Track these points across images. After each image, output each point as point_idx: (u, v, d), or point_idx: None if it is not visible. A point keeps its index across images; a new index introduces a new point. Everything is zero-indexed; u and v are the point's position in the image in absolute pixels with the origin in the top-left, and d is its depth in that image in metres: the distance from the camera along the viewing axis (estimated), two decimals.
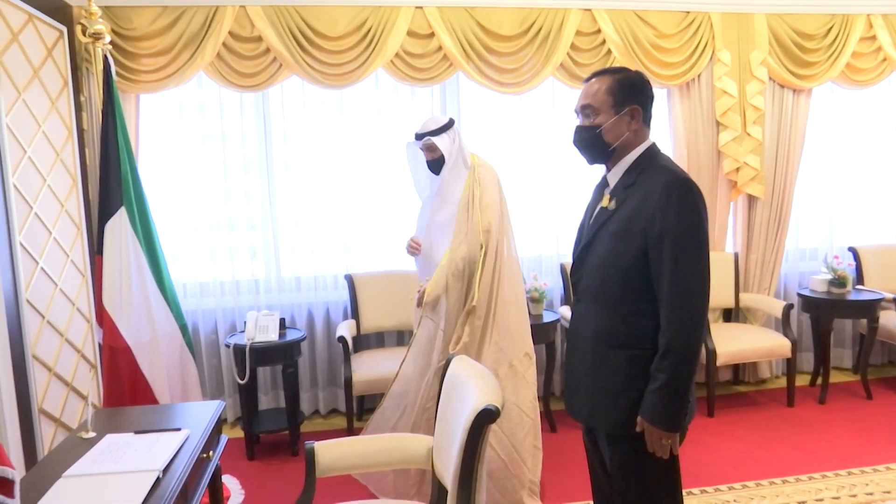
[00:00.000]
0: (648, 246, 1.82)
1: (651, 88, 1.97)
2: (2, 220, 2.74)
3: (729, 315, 4.75)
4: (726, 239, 4.74)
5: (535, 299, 4.10)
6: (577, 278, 2.06)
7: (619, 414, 1.91)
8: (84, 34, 3.48)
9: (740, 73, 4.46)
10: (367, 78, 4.09)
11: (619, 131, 1.91)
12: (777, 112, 4.60)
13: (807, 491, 3.20)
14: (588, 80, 1.99)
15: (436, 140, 3.17)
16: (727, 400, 4.46)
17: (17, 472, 1.66)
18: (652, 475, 1.94)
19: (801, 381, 4.65)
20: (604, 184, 2.05)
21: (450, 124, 3.21)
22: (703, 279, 1.80)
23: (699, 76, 4.46)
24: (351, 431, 3.96)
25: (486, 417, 1.85)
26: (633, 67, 4.24)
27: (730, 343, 4.20)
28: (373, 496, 3.20)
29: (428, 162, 3.28)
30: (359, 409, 4.30)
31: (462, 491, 1.88)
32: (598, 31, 4.25)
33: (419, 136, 3.23)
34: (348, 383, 3.85)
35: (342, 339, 3.91)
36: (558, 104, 4.49)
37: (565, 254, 4.59)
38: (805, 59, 4.50)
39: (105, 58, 3.47)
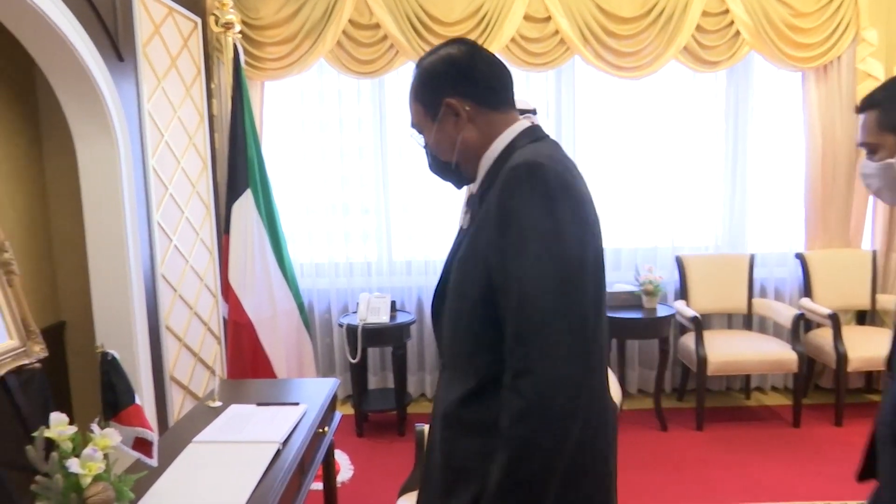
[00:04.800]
0: (492, 268, 1.16)
1: (474, 57, 1.33)
2: (142, 200, 2.95)
3: (863, 318, 4.38)
4: (863, 236, 4.37)
5: (649, 292, 3.96)
6: (437, 334, 1.38)
7: None
8: (216, 24, 3.66)
9: (888, 53, 4.08)
10: None
11: (447, 141, 1.32)
12: None
13: None
14: None
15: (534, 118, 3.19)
16: (858, 409, 4.12)
17: (155, 434, 1.79)
18: None
19: None
20: None
21: None
22: (572, 305, 1.09)
23: (839, 58, 4.11)
24: None
25: None
26: (763, 50, 4.08)
27: (863, 348, 3.87)
28: None
29: None
30: None
31: None
32: (727, 11, 4.01)
33: (522, 111, 3.21)
34: None
35: None
36: (680, 89, 4.28)
37: (681, 246, 4.40)
38: None
39: (234, 46, 3.64)
